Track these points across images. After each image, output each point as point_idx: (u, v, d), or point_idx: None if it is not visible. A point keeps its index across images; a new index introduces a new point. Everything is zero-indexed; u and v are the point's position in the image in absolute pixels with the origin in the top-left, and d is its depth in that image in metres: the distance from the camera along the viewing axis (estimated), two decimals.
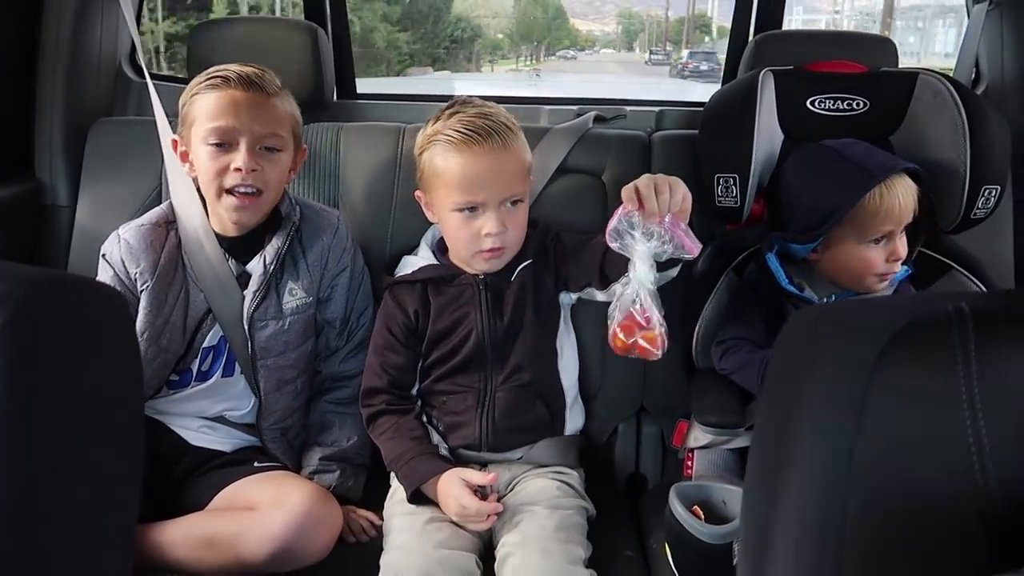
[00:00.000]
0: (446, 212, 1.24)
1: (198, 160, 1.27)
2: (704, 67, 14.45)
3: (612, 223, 1.11)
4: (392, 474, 1.33)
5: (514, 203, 1.23)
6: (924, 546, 0.47)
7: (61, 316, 0.55)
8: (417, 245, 1.39)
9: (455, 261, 1.31)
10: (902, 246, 1.22)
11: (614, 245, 1.12)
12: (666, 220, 1.09)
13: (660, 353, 1.14)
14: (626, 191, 1.09)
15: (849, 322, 0.53)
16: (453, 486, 1.17)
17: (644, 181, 1.09)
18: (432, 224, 1.36)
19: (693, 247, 1.11)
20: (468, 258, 1.27)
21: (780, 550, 0.52)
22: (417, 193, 1.30)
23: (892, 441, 0.48)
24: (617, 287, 1.14)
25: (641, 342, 1.13)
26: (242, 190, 1.25)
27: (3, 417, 0.51)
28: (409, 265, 1.34)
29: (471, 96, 1.32)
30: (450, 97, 1.35)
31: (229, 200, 1.26)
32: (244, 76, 1.26)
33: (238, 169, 1.23)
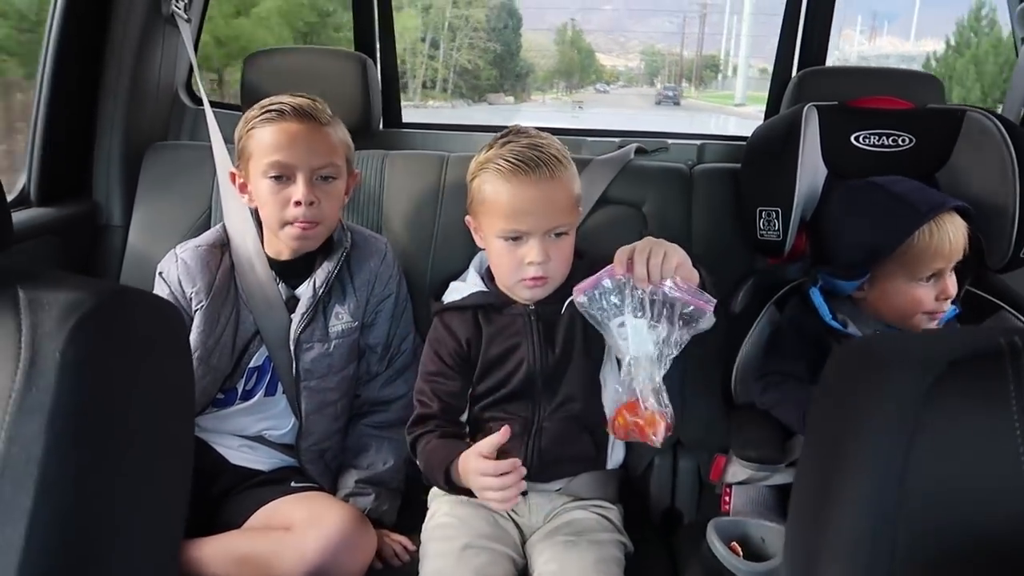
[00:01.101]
0: (492, 238, 1.25)
1: (258, 193, 1.30)
2: (671, 95, 22.70)
3: (589, 283, 1.07)
4: (429, 498, 1.33)
5: (559, 234, 1.23)
6: None
7: (125, 323, 0.57)
8: (458, 273, 1.39)
9: (502, 288, 1.32)
10: (952, 284, 1.20)
11: (580, 300, 1.09)
12: (666, 285, 1.03)
13: (659, 440, 1.05)
14: (620, 254, 1.07)
15: (897, 356, 0.52)
16: (471, 461, 1.14)
17: (641, 244, 1.07)
18: (479, 250, 1.37)
19: (706, 304, 1.03)
20: (511, 285, 1.27)
21: None
22: (467, 218, 1.32)
23: (944, 478, 0.47)
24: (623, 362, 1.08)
25: (640, 421, 1.05)
26: (302, 225, 1.28)
27: (68, 412, 0.53)
28: (457, 291, 1.34)
29: (525, 126, 1.33)
30: (495, 128, 1.36)
31: (290, 231, 1.29)
32: (298, 108, 1.29)
33: (298, 203, 1.26)
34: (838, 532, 0.50)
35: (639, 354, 1.04)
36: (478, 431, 1.31)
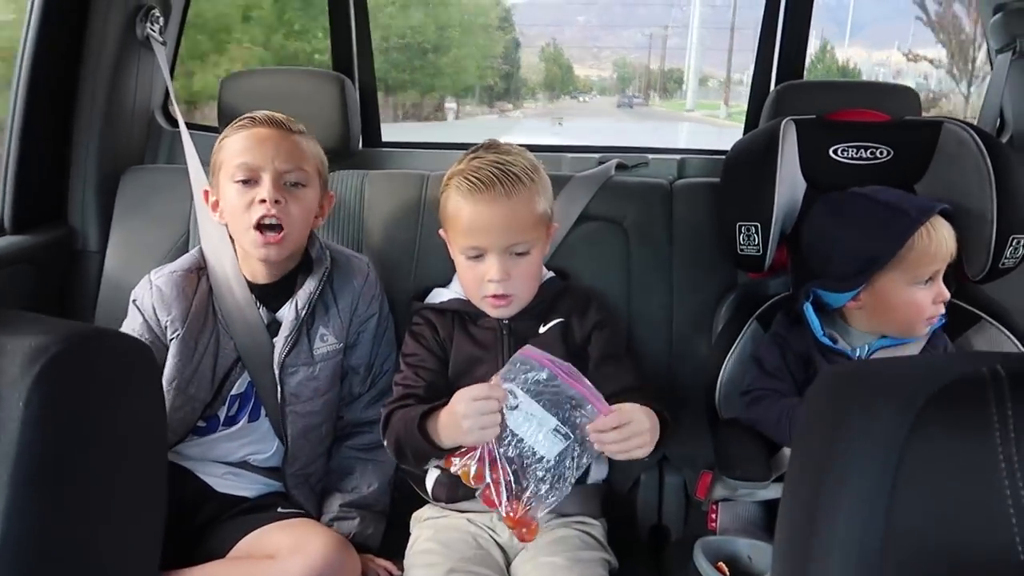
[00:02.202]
0: (457, 254, 1.27)
1: (226, 201, 1.29)
2: (627, 101, 26.45)
3: (564, 368, 1.08)
4: (412, 523, 1.32)
5: (520, 253, 1.23)
6: None
7: (91, 367, 0.56)
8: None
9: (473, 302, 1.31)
10: (945, 288, 1.21)
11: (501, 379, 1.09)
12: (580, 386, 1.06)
13: (502, 513, 1.08)
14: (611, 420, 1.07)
15: (882, 384, 0.52)
16: (457, 403, 1.11)
17: (635, 423, 1.08)
18: None
19: (601, 406, 1.06)
20: (477, 301, 1.27)
21: None
22: (440, 231, 1.32)
23: (929, 508, 0.47)
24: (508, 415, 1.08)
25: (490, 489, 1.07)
26: (266, 222, 1.25)
27: (33, 464, 0.52)
28: (439, 296, 1.35)
29: (499, 141, 1.32)
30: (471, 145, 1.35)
31: (254, 236, 1.26)
32: (268, 116, 1.31)
33: (262, 201, 1.24)
34: (823, 564, 0.49)
35: (541, 448, 1.06)
36: (456, 452, 1.30)
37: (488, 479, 1.08)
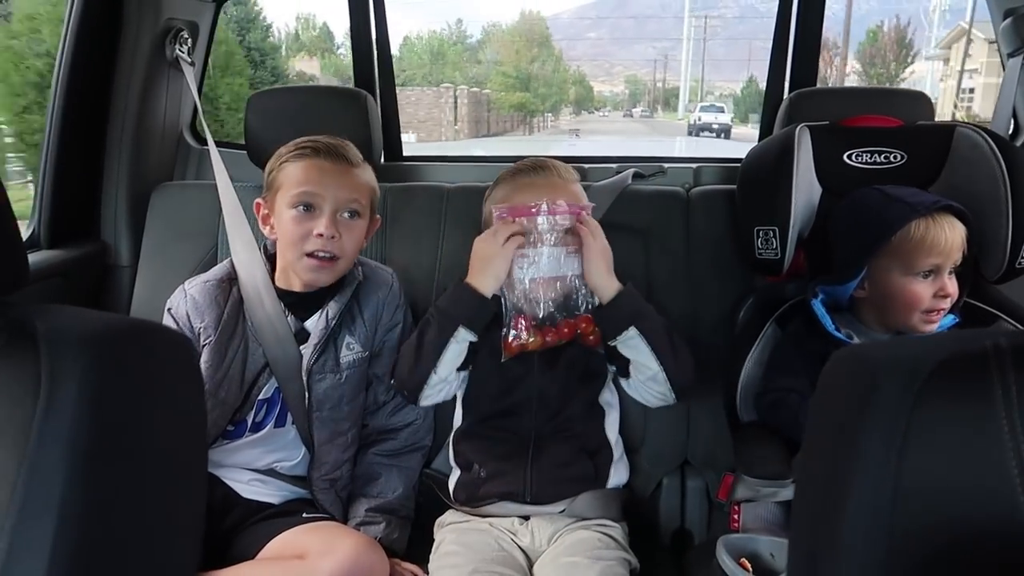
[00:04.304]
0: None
1: (281, 223, 1.34)
2: (631, 113, 33.24)
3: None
4: (436, 528, 1.34)
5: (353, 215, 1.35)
6: None
7: (142, 356, 0.59)
8: None
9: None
10: (951, 285, 1.22)
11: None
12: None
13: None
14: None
15: (888, 360, 0.54)
16: (475, 247, 1.26)
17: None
18: None
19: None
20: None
21: None
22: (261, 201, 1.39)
23: (935, 477, 0.49)
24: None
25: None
26: (321, 255, 1.31)
27: (88, 443, 0.55)
28: None
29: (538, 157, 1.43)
30: (492, 159, 1.40)
31: (308, 262, 1.32)
32: (330, 146, 1.35)
33: (319, 235, 1.30)
34: (836, 534, 0.51)
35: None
36: (478, 451, 1.33)
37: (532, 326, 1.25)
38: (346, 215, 1.33)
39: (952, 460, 0.49)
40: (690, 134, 21.84)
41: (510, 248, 1.22)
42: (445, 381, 1.28)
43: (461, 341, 1.23)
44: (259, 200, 1.40)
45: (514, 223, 1.23)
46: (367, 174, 1.39)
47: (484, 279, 1.23)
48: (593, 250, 1.23)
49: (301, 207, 1.31)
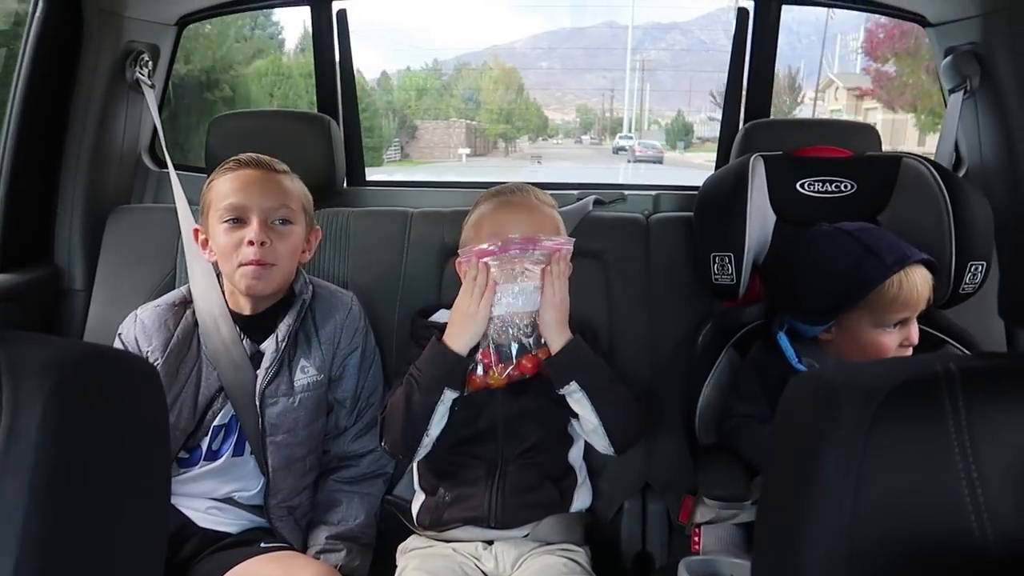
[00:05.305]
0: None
1: (215, 240, 1.33)
2: (581, 140, 31.66)
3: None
4: (398, 554, 1.33)
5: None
6: None
7: (106, 383, 0.59)
8: None
9: None
10: (915, 332, 1.24)
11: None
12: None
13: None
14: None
15: (846, 382, 0.56)
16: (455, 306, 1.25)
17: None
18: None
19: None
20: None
21: None
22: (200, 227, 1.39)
23: (892, 495, 0.51)
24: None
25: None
26: (254, 262, 1.29)
27: (50, 470, 0.54)
28: (444, 316, 1.37)
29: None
30: (454, 184, 1.41)
31: (243, 271, 1.30)
32: (253, 158, 1.36)
33: (250, 242, 1.29)
34: (799, 556, 0.53)
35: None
36: (443, 475, 1.32)
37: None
38: (277, 222, 1.33)
39: (908, 480, 0.51)
40: (614, 152, 25.83)
41: (487, 305, 1.21)
42: (433, 436, 1.28)
43: (447, 401, 1.24)
44: (196, 227, 1.40)
45: (488, 276, 1.22)
46: (295, 182, 1.39)
47: (463, 338, 1.22)
48: (550, 301, 1.23)
49: (231, 220, 1.31)
